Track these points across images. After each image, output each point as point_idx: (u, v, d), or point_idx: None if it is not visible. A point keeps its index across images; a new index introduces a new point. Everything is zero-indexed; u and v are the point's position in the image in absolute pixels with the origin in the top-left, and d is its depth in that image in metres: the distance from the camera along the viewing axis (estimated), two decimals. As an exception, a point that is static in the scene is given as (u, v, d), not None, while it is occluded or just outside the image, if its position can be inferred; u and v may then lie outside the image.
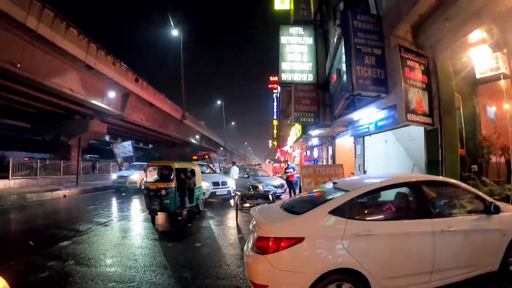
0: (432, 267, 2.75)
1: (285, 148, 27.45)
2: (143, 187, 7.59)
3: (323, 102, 9.44)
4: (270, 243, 2.57)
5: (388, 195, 3.23)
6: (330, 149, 14.02)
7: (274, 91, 38.60)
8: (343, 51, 6.12)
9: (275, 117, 40.38)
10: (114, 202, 10.62)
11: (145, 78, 25.21)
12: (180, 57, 36.45)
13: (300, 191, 8.93)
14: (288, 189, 11.56)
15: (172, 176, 7.07)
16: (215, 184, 10.25)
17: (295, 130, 15.79)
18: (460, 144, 5.81)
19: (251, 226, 2.99)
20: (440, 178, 3.54)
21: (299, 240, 2.54)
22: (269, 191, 10.35)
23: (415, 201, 3.10)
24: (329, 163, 13.06)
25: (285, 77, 9.67)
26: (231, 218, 7.42)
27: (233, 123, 75.19)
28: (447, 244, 2.82)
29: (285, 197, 11.32)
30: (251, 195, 7.57)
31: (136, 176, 13.50)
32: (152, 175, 9.08)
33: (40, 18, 12.95)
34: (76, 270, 3.86)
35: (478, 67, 6.05)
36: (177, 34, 34.35)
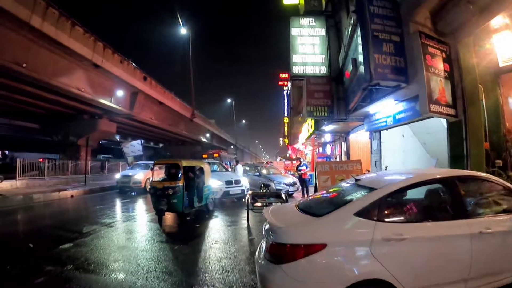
0: (468, 274, 2.41)
1: (296, 146, 27.03)
2: (149, 187, 7.32)
3: (337, 95, 8.98)
4: (287, 251, 2.23)
5: (414, 194, 2.88)
6: (343, 145, 13.59)
7: (284, 88, 38.39)
8: (359, 40, 5.75)
9: (285, 114, 40.22)
10: (121, 202, 10.41)
11: (154, 76, 25.12)
12: (189, 55, 36.15)
13: (315, 190, 8.48)
14: (300, 187, 11.12)
15: (180, 174, 6.76)
16: (228, 183, 9.68)
17: (307, 126, 15.40)
18: (484, 137, 5.44)
19: (263, 231, 2.64)
20: (478, 173, 3.12)
21: (321, 247, 2.20)
22: (281, 189, 9.98)
23: (449, 200, 2.72)
24: (343, 160, 12.61)
25: (296, 69, 9.27)
26: (242, 218, 7.05)
27: (243, 121, 74.61)
28: (484, 248, 2.48)
29: (298, 195, 10.95)
30: (263, 194, 7.20)
31: (140, 176, 13.00)
32: (159, 174, 8.82)
33: (44, 17, 12.87)
34: (73, 276, 3.59)
35: (501, 55, 5.61)
36: (185, 32, 34.09)
